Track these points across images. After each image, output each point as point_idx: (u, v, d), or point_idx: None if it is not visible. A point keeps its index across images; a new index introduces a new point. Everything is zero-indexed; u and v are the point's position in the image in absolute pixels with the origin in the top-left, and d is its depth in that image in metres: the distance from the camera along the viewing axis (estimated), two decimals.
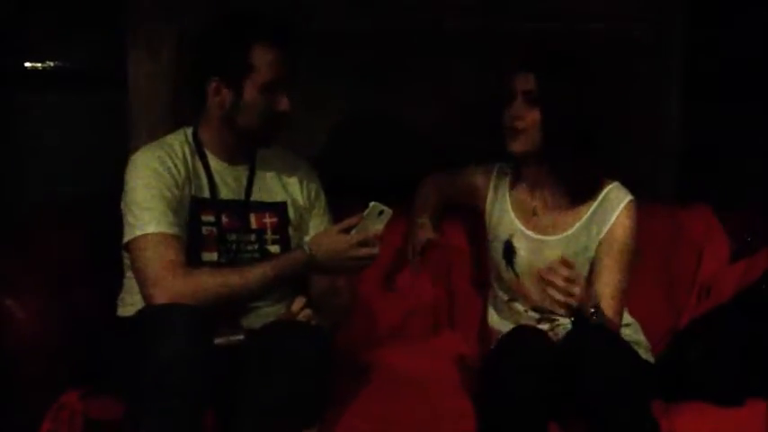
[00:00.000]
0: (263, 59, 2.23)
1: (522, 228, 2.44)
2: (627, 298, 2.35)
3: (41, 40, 2.94)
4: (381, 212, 2.14)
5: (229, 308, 2.22)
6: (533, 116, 2.33)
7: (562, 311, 2.31)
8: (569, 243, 2.39)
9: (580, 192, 2.39)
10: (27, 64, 2.95)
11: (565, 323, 2.35)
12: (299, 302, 2.25)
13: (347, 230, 2.16)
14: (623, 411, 2.06)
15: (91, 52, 2.94)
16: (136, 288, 2.21)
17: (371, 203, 2.14)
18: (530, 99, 2.33)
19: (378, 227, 2.14)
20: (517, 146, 2.36)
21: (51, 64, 2.95)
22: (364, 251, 2.15)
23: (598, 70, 2.43)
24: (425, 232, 2.56)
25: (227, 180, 2.35)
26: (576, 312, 2.18)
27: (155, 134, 2.64)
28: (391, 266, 2.63)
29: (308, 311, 2.24)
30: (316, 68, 2.83)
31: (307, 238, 2.33)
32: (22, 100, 2.95)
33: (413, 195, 2.66)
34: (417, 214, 2.61)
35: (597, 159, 2.37)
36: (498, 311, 2.51)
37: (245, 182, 2.36)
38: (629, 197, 2.38)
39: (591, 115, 2.33)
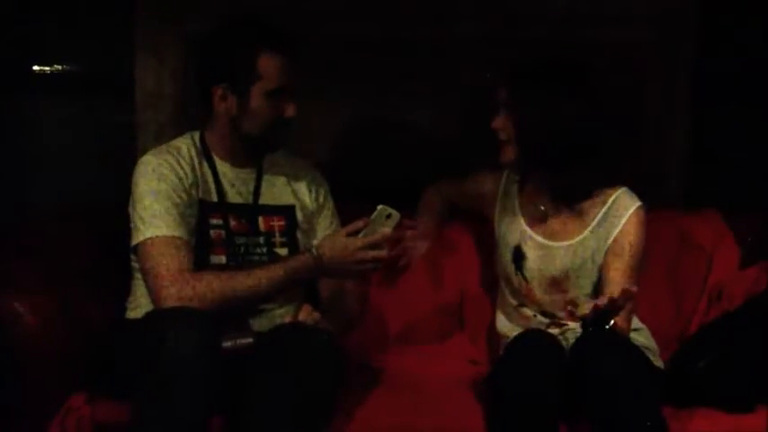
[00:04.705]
0: (269, 67, 2.24)
1: (532, 233, 2.43)
2: (636, 303, 2.34)
3: (48, 43, 2.95)
4: (389, 216, 2.14)
5: (237, 311, 2.22)
6: (512, 127, 2.33)
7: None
8: (578, 249, 2.39)
9: (571, 198, 2.38)
10: (35, 67, 2.95)
11: (574, 328, 2.34)
12: (305, 311, 2.25)
13: (355, 233, 2.16)
14: (634, 416, 2.06)
15: (98, 56, 2.94)
16: (144, 291, 2.22)
17: (379, 207, 2.14)
18: (507, 110, 2.34)
19: (385, 230, 2.14)
20: (503, 156, 2.37)
21: (59, 68, 2.96)
22: (372, 254, 2.14)
23: (606, 76, 2.42)
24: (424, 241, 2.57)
25: (235, 183, 2.35)
26: (584, 318, 2.17)
27: (162, 138, 2.66)
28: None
29: (315, 315, 2.24)
30: (321, 74, 2.83)
31: (315, 242, 2.33)
32: (30, 104, 2.95)
33: (418, 200, 2.65)
34: (421, 220, 2.60)
35: (596, 165, 2.35)
36: (507, 316, 2.50)
37: (252, 185, 2.37)
38: (637, 203, 2.37)
39: (570, 124, 2.29)
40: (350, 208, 2.39)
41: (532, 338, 2.24)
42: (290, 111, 2.28)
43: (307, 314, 2.24)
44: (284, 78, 2.25)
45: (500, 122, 2.35)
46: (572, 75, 2.35)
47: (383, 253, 2.15)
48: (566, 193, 2.38)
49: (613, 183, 2.40)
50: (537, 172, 2.40)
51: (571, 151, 2.32)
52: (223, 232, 2.30)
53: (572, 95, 2.31)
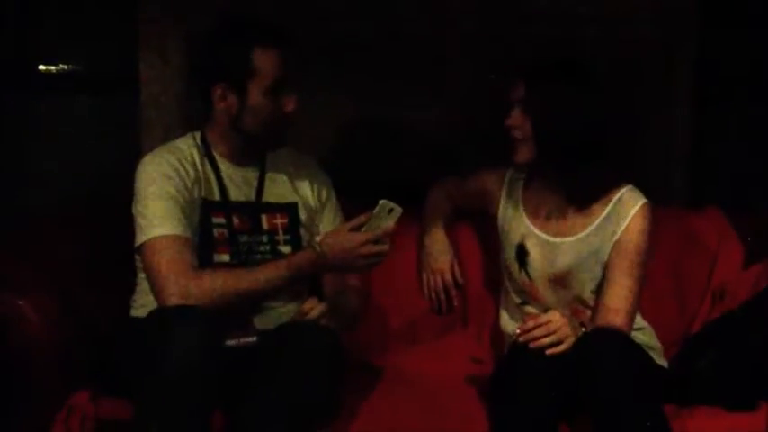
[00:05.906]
0: (265, 62, 2.23)
1: (536, 230, 2.43)
2: (639, 301, 2.34)
3: (54, 43, 2.96)
4: (391, 210, 2.13)
5: (241, 309, 2.22)
6: (529, 125, 2.32)
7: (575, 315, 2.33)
8: (582, 246, 2.38)
9: (586, 197, 2.38)
10: (40, 67, 2.96)
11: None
12: (311, 302, 2.25)
13: (357, 229, 2.15)
14: (636, 414, 2.05)
15: (103, 55, 2.95)
16: (148, 289, 2.22)
17: (381, 201, 2.13)
18: (524, 108, 2.33)
19: (388, 224, 2.14)
20: (519, 156, 2.36)
21: (64, 67, 2.96)
22: (375, 248, 2.14)
23: (608, 74, 2.42)
24: (447, 274, 2.57)
25: (237, 182, 2.35)
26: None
27: (167, 137, 2.66)
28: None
29: (322, 306, 2.24)
30: (322, 73, 2.84)
31: (317, 237, 2.33)
32: (35, 103, 2.96)
33: (419, 200, 2.65)
34: (428, 223, 2.62)
35: (604, 164, 2.36)
36: (510, 314, 2.50)
37: (255, 184, 2.37)
38: (643, 200, 2.37)
39: (588, 123, 2.30)
40: (351, 205, 2.40)
41: None
42: (291, 105, 2.27)
43: (312, 305, 2.24)
44: (280, 72, 2.25)
45: (517, 119, 2.33)
46: (588, 73, 2.35)
47: (386, 247, 2.15)
48: (578, 193, 2.38)
49: (618, 181, 2.40)
50: (546, 170, 2.40)
51: (585, 149, 2.31)
52: (226, 231, 2.30)
53: (589, 93, 2.31)
